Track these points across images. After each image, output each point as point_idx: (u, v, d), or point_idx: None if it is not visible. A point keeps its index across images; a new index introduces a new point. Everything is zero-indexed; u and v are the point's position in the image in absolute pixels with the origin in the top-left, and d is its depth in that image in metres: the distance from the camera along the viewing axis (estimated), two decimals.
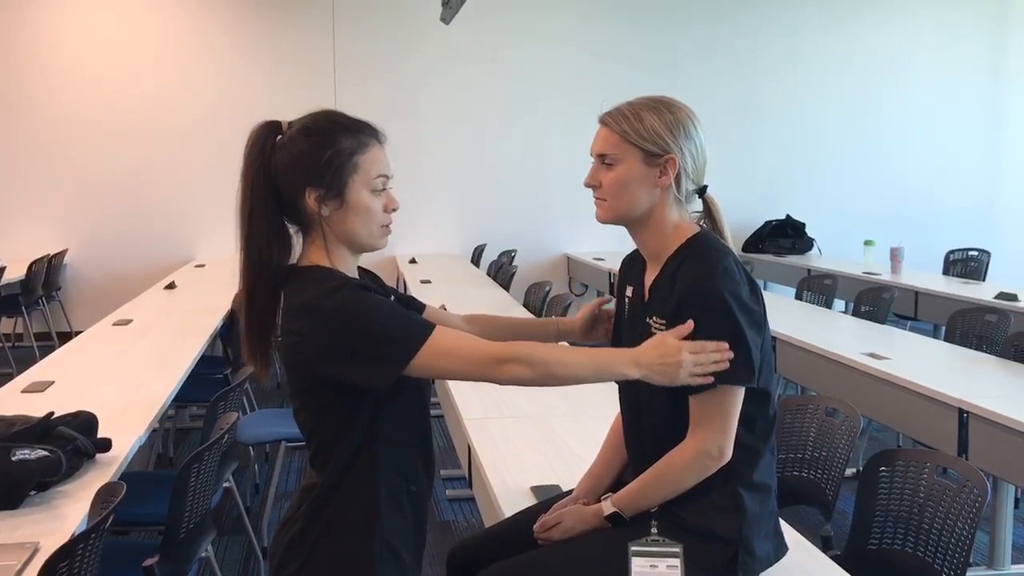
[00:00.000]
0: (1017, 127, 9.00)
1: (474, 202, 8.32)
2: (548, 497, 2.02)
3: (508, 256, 7.65)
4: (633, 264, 1.89)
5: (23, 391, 3.16)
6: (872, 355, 3.88)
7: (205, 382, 4.20)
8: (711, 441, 1.64)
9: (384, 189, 1.63)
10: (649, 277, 1.79)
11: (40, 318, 7.41)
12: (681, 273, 1.68)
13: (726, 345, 1.58)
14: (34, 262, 6.72)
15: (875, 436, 4.89)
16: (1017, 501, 3.91)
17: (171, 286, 5.97)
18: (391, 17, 8.00)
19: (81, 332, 4.41)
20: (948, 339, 4.57)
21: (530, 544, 1.83)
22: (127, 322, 4.60)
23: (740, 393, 1.65)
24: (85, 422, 2.49)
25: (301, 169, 1.58)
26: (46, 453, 2.22)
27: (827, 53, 8.68)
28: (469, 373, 1.56)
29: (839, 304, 6.58)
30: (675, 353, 1.56)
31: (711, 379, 1.58)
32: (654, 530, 1.67)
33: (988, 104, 8.96)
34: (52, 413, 2.47)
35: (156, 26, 7.75)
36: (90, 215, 7.77)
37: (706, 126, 1.76)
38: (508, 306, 5.22)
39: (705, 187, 1.79)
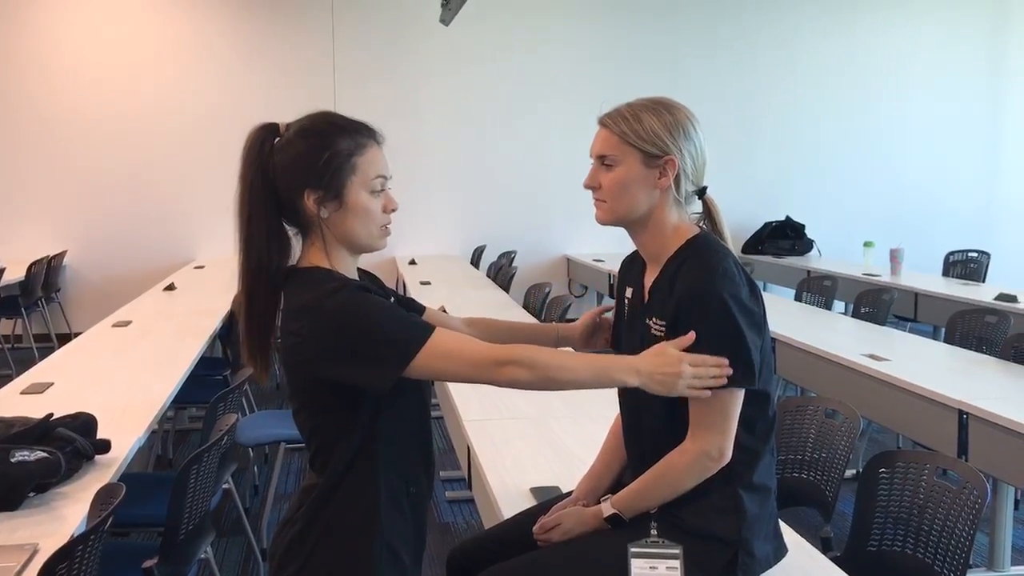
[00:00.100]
0: (1017, 128, 9.00)
1: (474, 203, 8.32)
2: (548, 499, 2.02)
3: (508, 257, 7.65)
4: (633, 265, 1.89)
5: (22, 392, 3.16)
6: (872, 356, 3.88)
7: (204, 383, 4.19)
8: (711, 442, 1.64)
9: (383, 190, 1.63)
10: (649, 278, 1.79)
11: (39, 319, 7.41)
12: (681, 274, 1.68)
13: (726, 361, 1.59)
14: (33, 263, 6.72)
15: (875, 437, 4.89)
16: (1017, 503, 3.91)
17: (171, 287, 5.97)
18: (391, 18, 8.00)
19: (80, 333, 4.41)
20: (948, 340, 4.57)
21: (530, 545, 1.82)
22: (126, 323, 4.60)
23: (740, 395, 1.65)
24: (84, 423, 2.49)
25: (299, 171, 1.58)
26: (45, 454, 2.22)
27: (827, 54, 8.68)
28: (468, 375, 1.55)
29: (839, 305, 6.58)
30: (675, 364, 1.57)
31: (708, 393, 1.58)
32: (654, 531, 1.67)
33: (988, 105, 8.96)
34: (51, 414, 2.47)
35: (156, 27, 7.75)
36: (89, 216, 7.77)
37: (706, 127, 1.76)
38: (508, 307, 5.22)
39: (705, 188, 1.78)
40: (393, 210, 1.65)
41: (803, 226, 8.45)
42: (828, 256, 8.24)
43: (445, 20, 6.64)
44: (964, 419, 3.21)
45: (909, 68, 8.80)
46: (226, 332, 4.65)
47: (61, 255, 7.56)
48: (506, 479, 2.31)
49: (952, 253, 7.48)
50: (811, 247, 8.38)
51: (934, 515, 2.01)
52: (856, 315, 5.31)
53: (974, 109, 8.93)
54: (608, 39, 8.34)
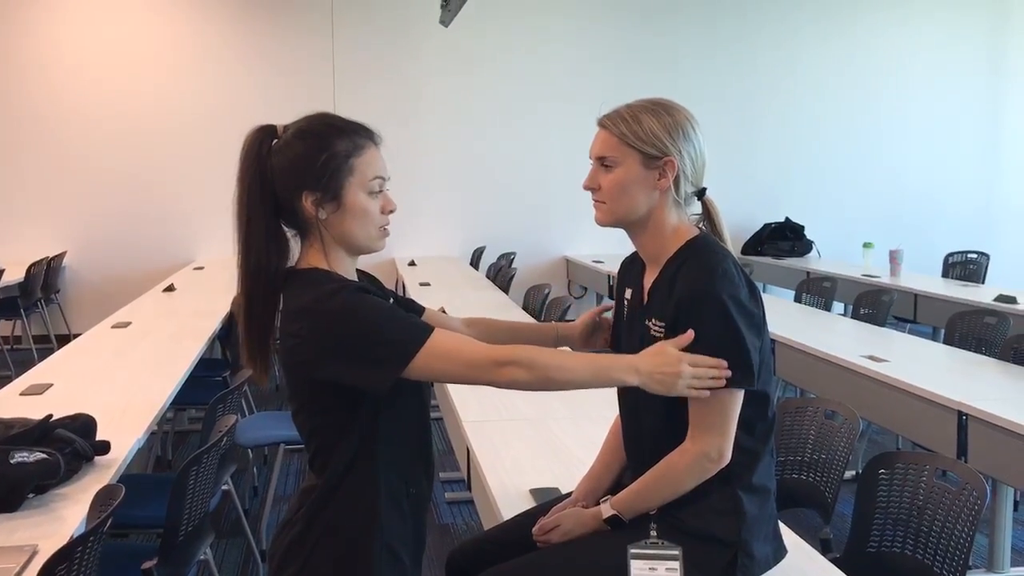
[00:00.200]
0: (1016, 129, 9.00)
1: (473, 204, 8.32)
2: (547, 500, 2.02)
3: (507, 258, 7.65)
4: (632, 266, 1.89)
5: (21, 394, 3.16)
6: (871, 357, 3.88)
7: (204, 385, 4.19)
8: (710, 443, 1.64)
9: (381, 191, 1.63)
10: (648, 279, 1.79)
11: (39, 320, 7.40)
12: (680, 276, 1.68)
13: (725, 363, 1.59)
14: (33, 264, 6.71)
15: (874, 439, 4.89)
16: (1016, 504, 3.91)
17: (170, 288, 5.97)
18: (390, 19, 8.00)
19: (80, 335, 4.41)
20: (947, 341, 4.57)
21: (529, 547, 1.82)
22: (126, 324, 4.60)
23: (739, 396, 1.65)
24: (84, 425, 2.49)
25: (297, 173, 1.58)
26: (44, 456, 2.22)
27: (826, 55, 8.68)
28: (467, 376, 1.55)
29: (838, 307, 6.58)
30: (674, 363, 1.56)
31: (707, 393, 1.58)
32: (653, 533, 1.67)
33: (987, 106, 8.97)
34: (51, 416, 2.47)
35: (156, 29, 7.75)
36: (89, 217, 7.77)
37: (705, 128, 1.76)
38: (507, 308, 5.22)
39: (704, 189, 1.79)
40: (391, 211, 1.65)
41: (802, 227, 8.45)
42: (827, 257, 8.24)
43: (445, 21, 6.64)
44: (963, 420, 3.21)
45: (909, 69, 8.80)
46: (226, 333, 4.65)
47: (60, 256, 7.56)
48: (505, 480, 2.31)
49: (951, 254, 7.49)
50: (810, 248, 8.38)
51: (933, 516, 2.01)
52: (855, 316, 5.32)
53: (974, 110, 8.93)
54: (608, 39, 8.35)
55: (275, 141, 1.61)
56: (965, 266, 7.32)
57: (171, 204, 7.84)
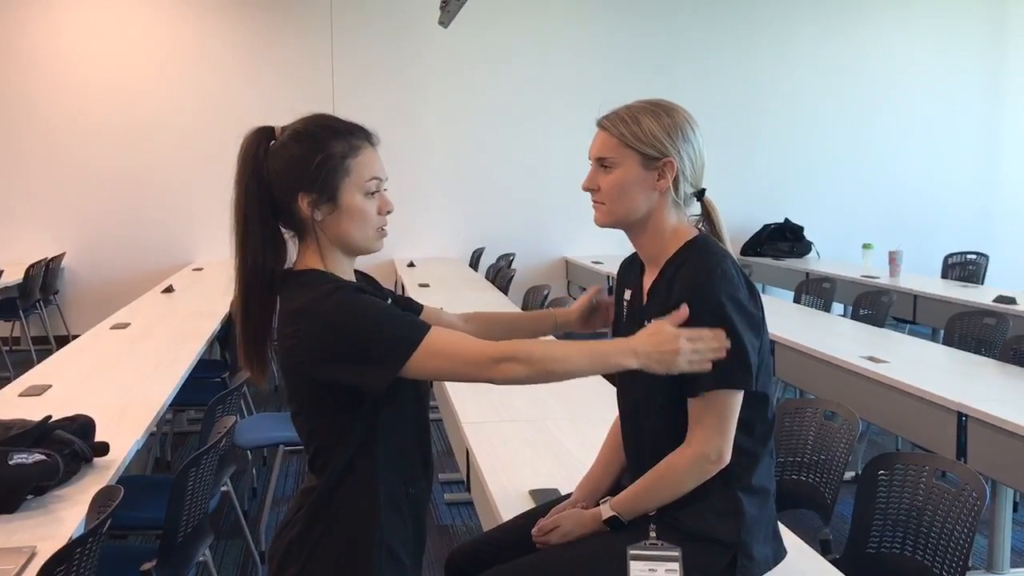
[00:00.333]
0: (1016, 130, 9.01)
1: (473, 205, 8.31)
2: (546, 501, 2.02)
3: (507, 259, 7.65)
4: (631, 267, 1.89)
5: (20, 395, 3.15)
6: (871, 358, 3.88)
7: (203, 386, 4.19)
8: (710, 444, 1.64)
9: (378, 191, 1.63)
10: (647, 280, 1.79)
11: (38, 322, 7.40)
12: (679, 276, 1.68)
13: (723, 333, 1.56)
14: (32, 265, 6.71)
15: (874, 440, 4.89)
16: (1016, 505, 3.91)
17: (169, 290, 5.96)
18: (389, 20, 8.00)
19: (79, 336, 4.41)
20: (947, 342, 4.57)
21: (528, 548, 1.82)
22: (125, 326, 4.60)
23: (739, 396, 1.64)
24: (82, 426, 2.49)
25: (293, 174, 1.58)
26: (43, 457, 2.22)
27: (826, 57, 8.69)
28: (466, 373, 1.55)
29: (838, 307, 6.58)
30: (672, 340, 1.54)
31: (709, 366, 1.56)
32: (653, 534, 1.67)
33: (986, 108, 8.97)
34: (49, 417, 2.46)
35: (156, 30, 7.75)
36: (88, 218, 7.76)
37: (704, 129, 1.76)
38: (506, 309, 5.22)
39: (703, 190, 1.79)
40: (388, 212, 1.65)
41: (802, 228, 8.45)
42: (827, 258, 8.24)
43: (444, 22, 6.64)
44: (963, 421, 3.21)
45: (909, 69, 8.80)
46: (225, 334, 4.65)
47: (59, 257, 7.56)
48: (505, 481, 2.31)
49: (951, 255, 7.49)
50: (810, 249, 8.38)
51: (933, 517, 2.01)
52: (855, 317, 5.31)
53: (973, 110, 8.94)
54: (608, 40, 8.34)
55: (272, 143, 1.61)
56: (964, 267, 7.32)
57: (170, 205, 7.84)
